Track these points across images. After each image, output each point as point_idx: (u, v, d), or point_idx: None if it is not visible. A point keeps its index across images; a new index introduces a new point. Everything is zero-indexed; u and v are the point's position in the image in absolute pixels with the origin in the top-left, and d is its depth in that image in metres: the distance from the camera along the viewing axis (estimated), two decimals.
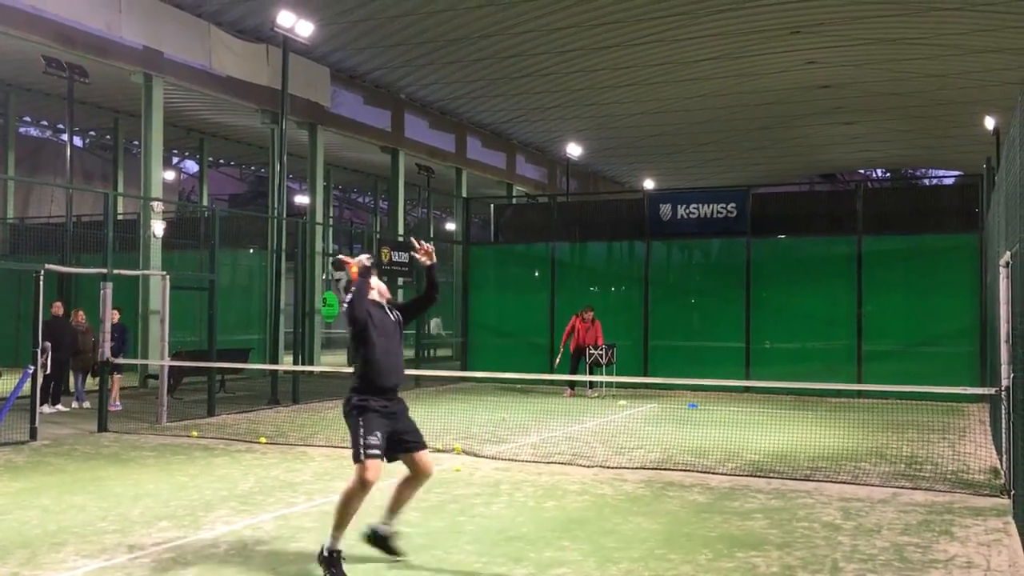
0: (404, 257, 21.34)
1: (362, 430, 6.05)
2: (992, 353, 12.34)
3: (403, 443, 6.24)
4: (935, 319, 18.01)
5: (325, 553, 5.96)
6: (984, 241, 16.52)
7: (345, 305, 6.21)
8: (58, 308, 15.38)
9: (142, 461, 10.52)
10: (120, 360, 14.98)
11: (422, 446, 6.35)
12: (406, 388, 19.69)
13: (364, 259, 6.24)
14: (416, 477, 6.37)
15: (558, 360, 18.52)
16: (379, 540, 6.38)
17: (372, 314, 6.23)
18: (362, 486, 5.94)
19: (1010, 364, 8.26)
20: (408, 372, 19.63)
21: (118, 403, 15.36)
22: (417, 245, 6.58)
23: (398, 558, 6.37)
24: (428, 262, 6.55)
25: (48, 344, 13.70)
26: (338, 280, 6.52)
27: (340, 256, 6.53)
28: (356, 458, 6.02)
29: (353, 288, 6.19)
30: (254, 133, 29.54)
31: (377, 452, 6.00)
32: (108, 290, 13.26)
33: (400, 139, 29.99)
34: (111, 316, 13.62)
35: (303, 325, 19.88)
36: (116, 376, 15.55)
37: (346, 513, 5.98)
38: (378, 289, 6.43)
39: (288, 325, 22.23)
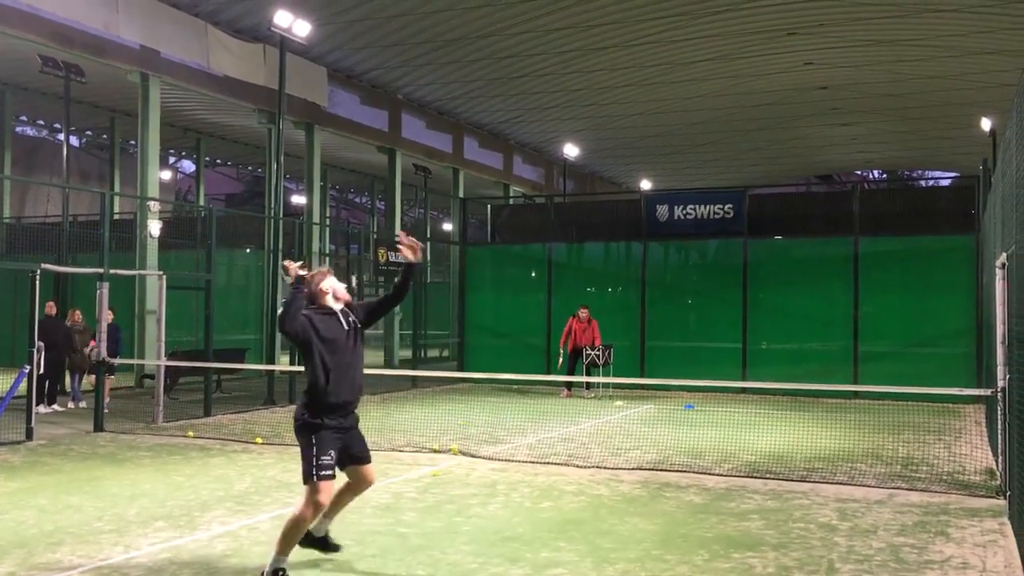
0: (401, 258, 21.33)
1: (315, 449, 5.77)
2: (988, 354, 12.36)
3: (351, 457, 6.06)
4: (931, 320, 18.04)
5: (268, 572, 5.77)
6: (980, 242, 16.55)
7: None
8: (50, 308, 15.36)
9: (138, 461, 10.51)
10: (114, 360, 14.99)
11: (368, 459, 6.18)
12: (402, 389, 19.79)
13: (296, 267, 5.95)
14: (358, 486, 6.22)
15: (560, 363, 18.41)
16: (314, 541, 6.24)
17: (317, 325, 5.87)
18: (315, 508, 5.80)
19: (1006, 365, 8.27)
20: (406, 372, 19.48)
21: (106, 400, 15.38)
22: (403, 238, 6.20)
23: (335, 553, 6.32)
24: (412, 258, 6.18)
25: (42, 344, 13.69)
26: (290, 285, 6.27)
27: (285, 262, 6.34)
28: (308, 478, 5.77)
29: (283, 299, 5.95)
30: (251, 133, 29.52)
31: (330, 473, 5.82)
32: (104, 290, 13.24)
33: (397, 139, 29.99)
34: (107, 316, 13.60)
35: None
36: (108, 376, 15.58)
37: (295, 535, 5.84)
38: (333, 292, 6.04)
39: None
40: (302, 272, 5.92)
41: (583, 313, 18.29)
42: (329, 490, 5.82)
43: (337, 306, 6.05)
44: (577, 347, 18.16)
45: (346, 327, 5.99)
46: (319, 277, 6.03)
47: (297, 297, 5.85)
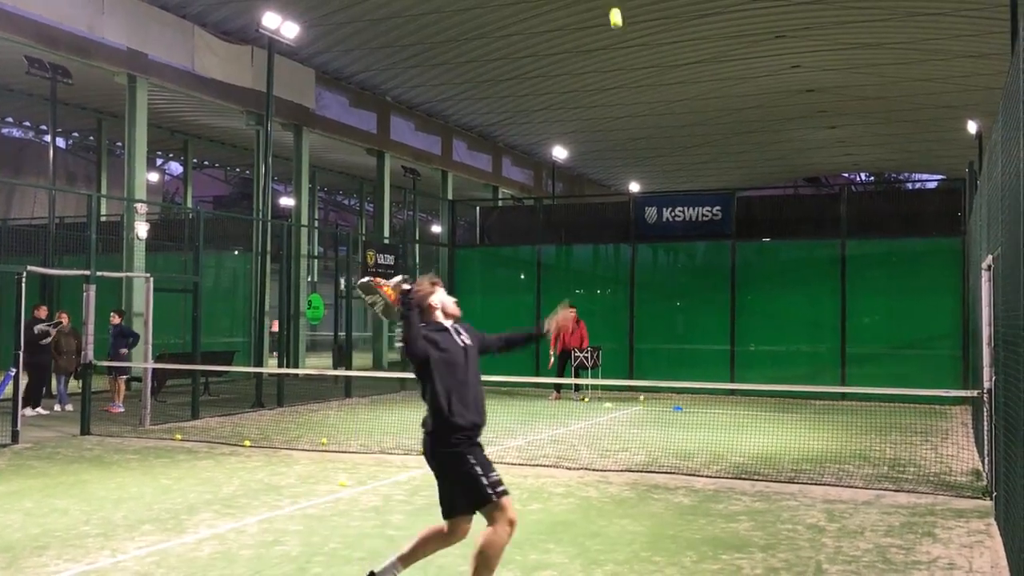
0: (390, 259, 21.29)
1: (478, 469, 5.12)
2: (974, 356, 12.42)
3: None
4: (918, 322, 18.11)
5: None
6: (967, 244, 16.64)
7: (399, 344, 5.49)
8: (42, 312, 15.36)
9: (125, 464, 10.46)
10: (107, 362, 14.97)
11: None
12: (391, 391, 19.75)
13: (399, 281, 5.40)
14: (453, 536, 5.41)
15: (552, 363, 18.36)
16: None
17: (436, 341, 5.24)
18: (511, 528, 5.17)
19: (992, 367, 8.31)
20: (395, 375, 19.39)
21: (120, 405, 15.36)
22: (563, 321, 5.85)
23: None
24: (547, 329, 5.83)
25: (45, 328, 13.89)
26: (372, 304, 5.50)
27: (370, 278, 5.54)
28: (487, 501, 5.11)
29: (400, 321, 5.28)
30: (239, 135, 29.43)
31: (505, 488, 5.18)
32: (91, 292, 13.17)
33: (386, 141, 29.95)
34: (93, 318, 13.49)
35: (288, 327, 19.80)
36: (121, 378, 15.53)
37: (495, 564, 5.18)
38: (443, 307, 5.40)
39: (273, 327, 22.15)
40: (406, 287, 5.30)
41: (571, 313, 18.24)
42: (511, 503, 5.21)
43: (448, 322, 5.41)
44: (566, 348, 18.13)
45: (461, 344, 5.33)
46: (425, 290, 5.36)
47: (412, 316, 5.17)
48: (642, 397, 18.26)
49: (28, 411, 14.59)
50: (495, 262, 22.64)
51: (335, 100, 27.64)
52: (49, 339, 14.91)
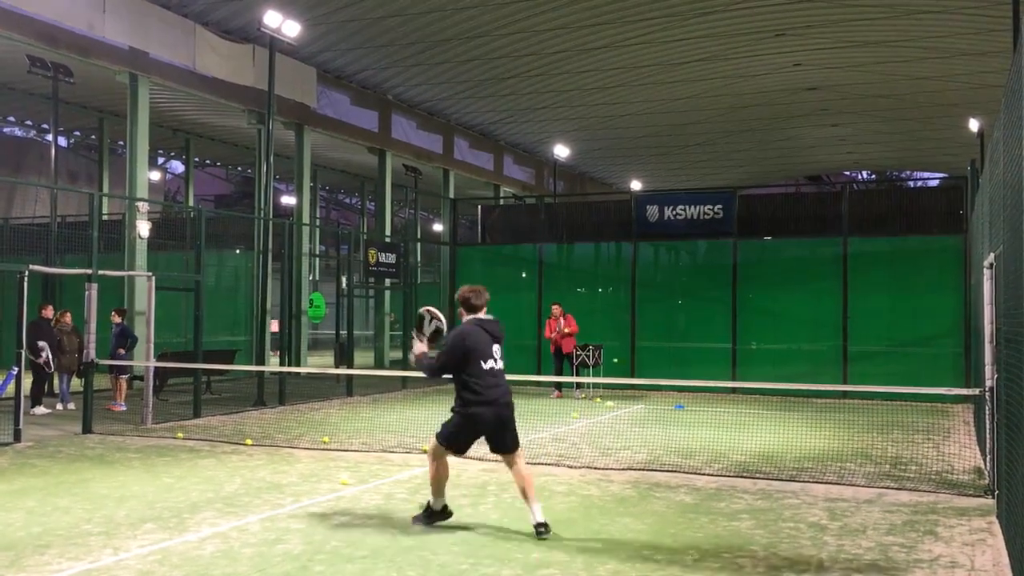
0: (391, 258, 21.31)
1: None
2: (976, 354, 12.42)
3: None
4: (920, 320, 18.12)
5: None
6: (968, 243, 16.63)
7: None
8: (48, 311, 15.39)
9: (127, 463, 10.46)
10: (109, 361, 14.97)
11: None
12: (393, 389, 19.77)
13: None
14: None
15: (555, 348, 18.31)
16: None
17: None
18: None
19: (994, 365, 8.31)
20: (396, 373, 19.39)
21: (122, 404, 15.34)
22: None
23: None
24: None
25: (45, 344, 13.80)
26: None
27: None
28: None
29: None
30: (240, 133, 29.44)
31: None
32: (93, 291, 13.18)
33: (387, 140, 29.95)
34: (94, 317, 13.50)
35: (289, 326, 19.83)
36: (123, 377, 15.51)
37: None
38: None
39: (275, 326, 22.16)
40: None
41: (556, 309, 18.24)
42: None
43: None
44: (559, 345, 18.06)
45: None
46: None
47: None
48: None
49: (39, 410, 14.63)
50: (497, 261, 22.64)
51: (337, 98, 27.65)
52: (41, 359, 14.83)
